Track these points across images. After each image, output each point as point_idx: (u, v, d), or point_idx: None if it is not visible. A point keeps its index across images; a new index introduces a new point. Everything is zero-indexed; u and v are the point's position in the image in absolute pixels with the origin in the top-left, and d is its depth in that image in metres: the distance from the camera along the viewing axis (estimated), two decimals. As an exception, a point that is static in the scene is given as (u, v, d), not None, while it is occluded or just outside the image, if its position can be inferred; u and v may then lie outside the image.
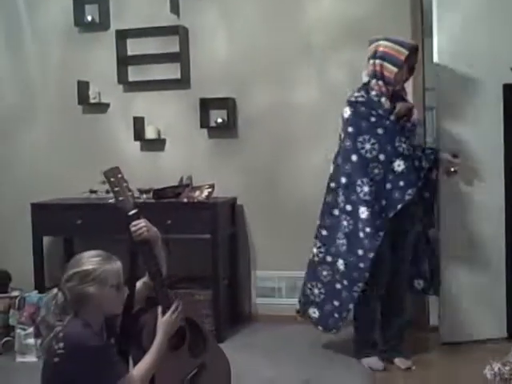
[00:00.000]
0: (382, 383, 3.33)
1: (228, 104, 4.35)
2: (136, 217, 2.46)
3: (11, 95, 4.77)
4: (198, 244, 4.11)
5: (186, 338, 2.64)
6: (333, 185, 3.58)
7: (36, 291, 4.04)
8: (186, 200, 4.11)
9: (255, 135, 4.39)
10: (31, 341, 3.73)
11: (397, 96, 3.44)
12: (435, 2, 3.65)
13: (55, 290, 2.33)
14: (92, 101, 4.58)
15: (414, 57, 3.46)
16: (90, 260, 2.30)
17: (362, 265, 3.36)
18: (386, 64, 3.34)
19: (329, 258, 3.58)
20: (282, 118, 4.34)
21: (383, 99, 3.40)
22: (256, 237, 4.44)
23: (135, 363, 2.50)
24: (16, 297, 3.91)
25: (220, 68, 4.41)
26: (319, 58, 4.26)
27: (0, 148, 4.79)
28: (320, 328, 3.68)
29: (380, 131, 3.37)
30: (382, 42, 3.37)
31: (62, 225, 4.20)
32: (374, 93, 3.41)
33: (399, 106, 3.40)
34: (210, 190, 4.14)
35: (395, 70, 3.34)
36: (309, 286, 3.71)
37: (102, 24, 4.55)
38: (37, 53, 4.69)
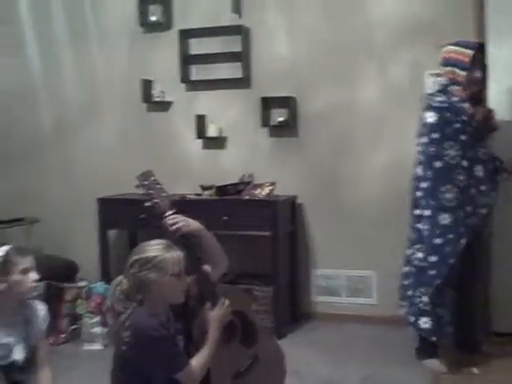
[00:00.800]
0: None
1: (289, 103, 4.38)
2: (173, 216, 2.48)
3: (78, 94, 4.91)
4: (258, 241, 4.15)
5: (237, 330, 2.67)
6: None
7: (102, 282, 4.16)
8: (247, 197, 4.16)
9: (316, 134, 4.40)
10: (97, 329, 3.86)
11: (475, 99, 3.38)
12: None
13: (120, 277, 2.41)
14: (156, 99, 4.68)
15: (482, 55, 3.41)
16: (151, 247, 2.37)
17: (432, 272, 3.34)
18: (455, 69, 3.32)
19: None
20: (343, 117, 4.34)
21: (466, 105, 3.34)
22: (316, 235, 4.45)
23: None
24: (83, 287, 4.05)
25: (281, 67, 4.44)
26: (381, 56, 4.24)
27: (67, 145, 4.95)
28: (434, 338, 3.46)
29: (463, 137, 3.30)
30: (447, 48, 3.36)
31: (127, 219, 4.31)
32: (455, 98, 3.34)
33: (480, 111, 3.34)
34: (270, 187, 4.18)
35: (464, 73, 3.29)
36: (417, 293, 3.48)
37: (166, 24, 4.65)
38: (102, 52, 4.82)
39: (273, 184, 4.20)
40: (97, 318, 3.86)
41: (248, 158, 4.53)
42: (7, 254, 2.42)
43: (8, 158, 5.04)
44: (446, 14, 4.04)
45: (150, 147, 4.73)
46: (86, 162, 4.90)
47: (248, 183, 4.31)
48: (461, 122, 3.31)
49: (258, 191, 4.17)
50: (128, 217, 4.28)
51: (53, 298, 3.93)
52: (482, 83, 3.43)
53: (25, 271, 2.44)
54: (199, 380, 2.37)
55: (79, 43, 4.87)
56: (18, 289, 2.43)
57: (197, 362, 2.37)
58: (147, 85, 4.69)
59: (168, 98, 4.68)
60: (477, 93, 3.39)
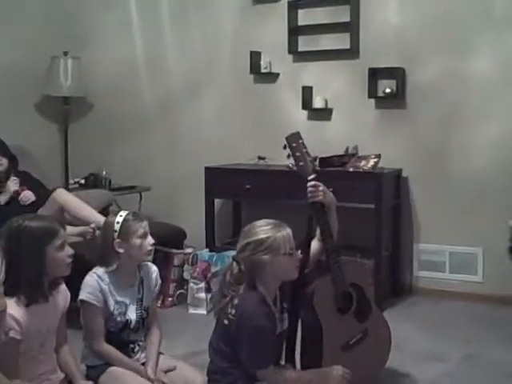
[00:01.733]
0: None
1: (397, 74, 4.29)
2: (313, 180, 2.54)
3: (186, 65, 5.03)
4: (362, 214, 4.12)
5: (353, 303, 2.71)
6: None
7: (207, 249, 4.31)
8: (351, 169, 4.14)
9: (424, 106, 4.29)
10: (202, 295, 3.99)
11: None
12: None
13: (230, 261, 2.46)
14: (263, 70, 4.72)
15: None
16: (262, 229, 2.38)
17: None
18: None
19: None
20: (454, 89, 4.20)
21: None
22: (420, 210, 4.37)
23: (305, 325, 2.61)
24: (190, 253, 4.18)
25: (390, 37, 4.35)
26: (498, 27, 4.05)
27: (176, 116, 5.09)
28: None
29: None
30: None
31: (232, 188, 4.42)
32: None
33: None
34: (375, 160, 4.13)
35: None
36: None
37: (275, -5, 4.65)
38: (211, 24, 4.89)
39: (378, 156, 4.16)
40: (202, 284, 4.00)
41: (353, 129, 4.49)
42: (125, 219, 2.53)
43: (120, 130, 5.27)
44: None
45: (256, 118, 4.79)
46: (194, 132, 5.02)
47: (353, 155, 4.28)
48: None
49: (362, 163, 4.14)
50: (233, 186, 4.40)
51: (161, 262, 4.07)
52: None
53: (142, 236, 2.54)
54: None
55: (187, 15, 4.96)
56: (137, 252, 2.55)
57: (289, 375, 2.44)
58: (256, 56, 4.72)
59: (275, 70, 4.70)
60: None
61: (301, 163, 2.54)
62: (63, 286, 2.43)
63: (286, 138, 2.57)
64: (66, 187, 4.62)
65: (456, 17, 4.15)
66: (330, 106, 4.57)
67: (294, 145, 2.56)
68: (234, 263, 2.42)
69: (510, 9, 4.00)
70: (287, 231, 2.41)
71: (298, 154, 2.55)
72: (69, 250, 2.30)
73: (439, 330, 3.68)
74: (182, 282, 4.18)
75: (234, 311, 2.35)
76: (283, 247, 2.37)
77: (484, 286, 4.17)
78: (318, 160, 4.22)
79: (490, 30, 4.07)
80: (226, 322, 2.39)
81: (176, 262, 4.19)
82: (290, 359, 2.62)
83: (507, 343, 3.43)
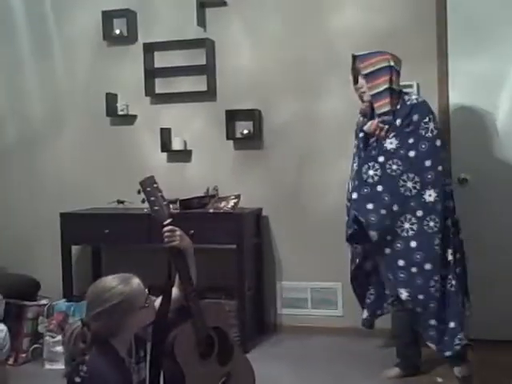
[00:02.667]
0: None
1: (254, 116, 4.39)
2: (168, 224, 2.50)
3: (40, 107, 4.86)
4: (224, 254, 4.14)
5: (215, 347, 2.66)
6: None
7: (64, 299, 4.10)
8: (212, 210, 4.15)
9: (281, 147, 4.42)
10: (59, 348, 3.76)
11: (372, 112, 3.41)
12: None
13: (76, 322, 2.32)
14: (120, 112, 4.65)
15: (359, 64, 3.43)
16: (112, 292, 2.26)
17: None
18: None
19: None
20: (308, 129, 4.36)
21: (359, 115, 3.50)
22: (281, 248, 4.45)
23: (167, 374, 2.53)
24: (45, 305, 3.97)
25: (246, 79, 4.46)
26: (344, 69, 4.26)
27: (30, 159, 4.88)
28: None
29: (356, 143, 3.51)
30: None
31: (90, 234, 4.27)
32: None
33: (368, 123, 3.38)
34: (235, 200, 4.17)
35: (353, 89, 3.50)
36: None
37: (130, 37, 4.63)
38: (66, 65, 4.79)
39: (238, 197, 4.20)
40: (58, 337, 3.78)
41: (213, 170, 4.51)
42: None
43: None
44: (407, 27, 4.09)
45: (115, 161, 4.70)
46: (50, 176, 4.84)
47: (213, 196, 4.30)
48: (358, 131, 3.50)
49: (223, 204, 4.17)
50: (91, 231, 4.24)
51: (13, 316, 3.86)
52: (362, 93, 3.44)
53: None
54: None
55: (42, 57, 4.83)
56: None
57: None
58: (112, 98, 4.65)
59: (132, 112, 4.66)
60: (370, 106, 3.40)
61: (156, 207, 2.50)
62: None
63: (140, 183, 2.52)
64: None
65: (305, 60, 4.34)
66: (189, 148, 4.58)
67: (148, 189, 2.51)
68: (85, 328, 2.26)
69: (352, 50, 4.21)
70: (137, 282, 2.32)
71: (152, 198, 2.51)
72: None
73: (304, 367, 3.72)
74: (37, 336, 3.95)
75: (85, 368, 2.21)
76: (138, 302, 2.29)
77: (344, 320, 4.29)
78: (178, 202, 4.20)
79: (336, 71, 4.26)
80: (77, 379, 2.25)
81: (30, 314, 3.96)
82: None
83: (368, 375, 3.53)
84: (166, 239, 2.49)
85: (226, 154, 4.51)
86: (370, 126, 3.33)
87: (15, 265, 4.53)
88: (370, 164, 3.32)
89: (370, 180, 3.30)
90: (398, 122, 3.27)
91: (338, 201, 4.27)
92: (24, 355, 3.91)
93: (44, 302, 4.04)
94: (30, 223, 4.84)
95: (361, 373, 3.57)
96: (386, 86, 3.29)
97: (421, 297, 3.21)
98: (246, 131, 4.41)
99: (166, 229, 2.49)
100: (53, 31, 4.80)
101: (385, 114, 3.29)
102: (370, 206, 3.28)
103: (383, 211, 3.25)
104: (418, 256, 3.21)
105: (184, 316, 2.57)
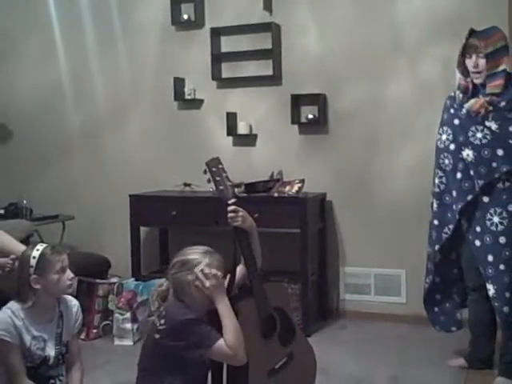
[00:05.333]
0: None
1: (319, 100, 4.38)
2: (233, 205, 2.55)
3: (109, 92, 4.98)
4: (288, 238, 4.16)
5: (277, 327, 2.71)
6: None
7: (133, 278, 4.24)
8: (276, 194, 4.18)
9: (346, 131, 4.40)
10: (128, 325, 3.91)
11: (478, 89, 3.24)
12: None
13: (162, 280, 2.47)
14: (187, 97, 4.73)
15: (480, 42, 3.18)
16: (191, 251, 2.43)
17: (428, 264, 3.40)
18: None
19: None
20: (374, 114, 4.32)
21: (457, 92, 3.28)
22: (345, 233, 4.45)
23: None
24: (114, 283, 4.11)
25: (311, 64, 4.45)
26: (412, 53, 4.21)
27: (102, 142, 5.02)
28: None
29: (456, 122, 3.26)
30: None
31: (158, 216, 4.37)
32: (455, 85, 3.33)
33: (472, 101, 3.22)
34: (300, 185, 4.19)
35: (456, 62, 3.27)
36: None
37: (198, 22, 4.68)
38: (135, 50, 4.88)
39: (302, 181, 4.21)
40: (127, 314, 3.92)
41: (278, 155, 4.54)
42: (42, 253, 2.46)
43: (41, 158, 5.16)
44: (476, 8, 3.99)
45: (181, 145, 4.78)
46: (119, 159, 4.97)
47: (277, 180, 4.33)
48: (454, 108, 3.28)
49: (287, 188, 4.19)
50: (159, 213, 4.35)
51: (85, 293, 4.01)
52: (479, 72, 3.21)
53: (60, 271, 2.48)
54: (237, 353, 2.38)
55: (111, 43, 4.93)
56: (54, 288, 2.48)
57: (226, 335, 2.37)
58: (179, 83, 4.73)
59: (199, 96, 4.72)
60: (479, 84, 3.22)
61: (220, 187, 2.55)
62: None
63: (206, 163, 2.58)
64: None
65: (372, 44, 4.29)
66: (254, 132, 4.61)
67: (213, 169, 2.57)
68: (165, 282, 2.44)
69: (420, 38, 4.17)
70: (217, 258, 2.43)
71: (217, 178, 2.56)
72: None
73: (365, 352, 3.73)
74: (107, 313, 4.08)
75: (162, 321, 2.33)
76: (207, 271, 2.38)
77: (407, 307, 4.26)
78: (243, 186, 4.25)
79: (404, 56, 4.22)
80: (157, 335, 2.35)
81: (100, 292, 4.10)
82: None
83: (431, 363, 3.51)
84: (229, 219, 2.55)
85: (290, 139, 4.52)
86: (473, 103, 3.18)
87: (87, 244, 4.71)
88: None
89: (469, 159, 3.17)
90: (503, 104, 3.13)
91: (403, 186, 4.26)
92: (95, 331, 4.06)
93: (114, 280, 4.19)
94: (100, 205, 4.99)
95: (423, 360, 3.55)
96: (503, 67, 3.13)
97: (507, 295, 3.12)
98: (311, 116, 4.41)
99: (229, 209, 2.54)
100: (122, 17, 4.89)
101: (494, 95, 3.15)
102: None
103: (470, 197, 3.17)
104: (507, 253, 3.10)
105: (247, 295, 2.62)
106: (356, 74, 4.35)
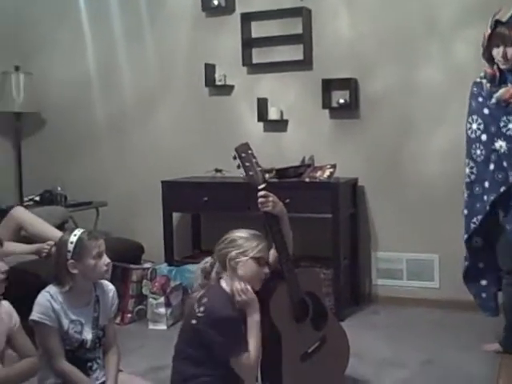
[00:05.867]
0: (507, 368, 3.25)
1: (350, 84, 4.35)
2: (263, 190, 2.57)
3: (140, 78, 5.01)
4: (319, 223, 4.16)
5: (309, 311, 2.73)
6: None
7: (166, 264, 4.28)
8: (307, 180, 4.17)
9: (377, 116, 4.36)
10: (162, 310, 3.96)
11: (505, 76, 3.19)
12: None
13: (207, 258, 2.59)
14: (218, 83, 4.73)
15: (510, 31, 3.12)
16: (240, 231, 2.56)
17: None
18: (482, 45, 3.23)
19: None
20: (405, 98, 4.28)
21: (484, 81, 3.24)
22: (377, 218, 4.43)
23: (264, 333, 2.61)
24: (148, 268, 4.16)
25: (342, 48, 4.41)
26: (444, 35, 4.16)
27: (133, 129, 5.06)
28: None
29: (486, 111, 3.21)
30: None
31: (190, 202, 4.40)
32: (481, 74, 3.28)
33: (501, 90, 3.17)
34: (331, 170, 4.17)
35: (482, 50, 3.22)
36: None
37: (228, 7, 4.67)
38: (165, 37, 4.89)
39: (333, 166, 4.20)
40: (161, 299, 3.96)
41: (309, 140, 4.52)
42: (80, 239, 2.49)
43: (75, 145, 5.22)
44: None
45: (212, 131, 4.80)
46: (150, 145, 4.99)
47: (308, 166, 4.32)
48: (483, 97, 3.23)
49: (318, 174, 4.18)
50: (191, 199, 4.38)
51: (119, 279, 4.06)
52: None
53: (97, 256, 2.51)
54: (252, 371, 2.46)
55: (141, 28, 4.94)
56: (91, 273, 2.51)
57: (252, 349, 2.43)
58: (210, 69, 4.73)
59: (230, 82, 4.72)
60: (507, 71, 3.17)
61: (250, 173, 2.58)
62: (5, 306, 2.40)
63: (236, 149, 2.61)
64: (22, 205, 4.53)
65: (404, 27, 4.24)
66: (285, 118, 4.60)
67: (243, 155, 2.59)
68: (210, 258, 2.56)
69: (453, 20, 4.12)
70: (262, 243, 2.53)
71: (247, 164, 2.58)
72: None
73: (398, 337, 3.72)
74: (141, 298, 4.14)
75: (202, 308, 2.38)
76: (251, 251, 2.48)
77: (440, 292, 4.24)
78: (274, 171, 4.25)
79: (436, 39, 4.17)
80: (193, 321, 2.41)
81: (134, 277, 4.15)
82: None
83: (465, 347, 3.49)
84: (260, 204, 2.57)
85: (321, 124, 4.50)
86: (504, 93, 3.14)
87: (120, 230, 4.76)
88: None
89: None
90: None
91: (436, 170, 4.22)
92: (129, 315, 4.11)
93: (147, 265, 4.24)
94: (133, 191, 5.02)
95: (457, 345, 3.54)
96: None
97: None
98: (342, 100, 4.38)
99: (260, 194, 2.57)
100: (151, 4, 4.90)
101: None
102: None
103: (503, 188, 3.14)
104: None
105: (279, 279, 2.64)
106: (387, 58, 4.31)
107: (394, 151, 4.33)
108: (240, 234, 2.54)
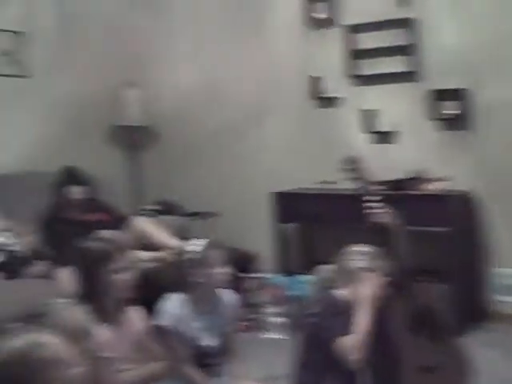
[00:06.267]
0: None
1: (461, 95, 4.27)
2: (374, 201, 2.59)
3: (245, 90, 5.08)
4: (434, 237, 4.07)
5: (425, 325, 2.71)
6: None
7: (279, 274, 4.35)
8: (420, 192, 4.12)
9: (491, 128, 4.24)
10: (276, 319, 4.04)
11: None
12: None
13: (327, 266, 2.61)
14: (323, 95, 4.77)
15: None
16: (363, 246, 2.54)
17: None
18: None
19: None
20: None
21: None
22: (496, 232, 4.27)
23: (383, 343, 2.61)
24: (261, 278, 4.25)
25: (451, 58, 4.32)
26: None
27: (242, 141, 5.13)
28: None
29: None
30: None
31: (302, 213, 4.46)
32: None
33: None
34: (444, 182, 4.10)
35: None
36: None
37: (333, 19, 4.68)
38: (270, 49, 4.96)
39: (445, 179, 4.13)
40: (275, 308, 4.04)
41: (418, 152, 4.46)
42: (205, 248, 2.61)
43: (189, 157, 5.36)
44: None
45: (319, 142, 4.83)
46: (261, 157, 5.06)
47: (419, 178, 4.27)
48: None
49: (431, 186, 4.13)
50: (304, 211, 4.43)
51: (233, 287, 4.16)
52: None
53: (219, 265, 2.61)
54: (354, 356, 2.41)
55: (245, 43, 5.05)
56: (213, 281, 2.61)
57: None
58: (315, 81, 4.77)
59: (336, 94, 4.74)
60: None
61: (361, 184, 2.61)
62: (136, 311, 2.51)
63: (344, 161, 2.65)
64: (139, 214, 4.75)
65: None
66: (392, 129, 4.57)
67: (352, 166, 2.65)
68: (329, 266, 2.57)
69: None
70: (382, 259, 2.52)
71: (356, 175, 2.62)
72: (126, 275, 2.38)
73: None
74: (255, 307, 4.22)
75: (316, 305, 2.50)
76: (374, 266, 2.47)
77: None
78: (384, 183, 4.23)
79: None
80: (312, 319, 2.49)
81: (248, 286, 4.25)
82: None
83: None
84: (371, 215, 2.58)
85: (431, 136, 4.44)
86: None
87: (232, 240, 4.85)
88: None
89: None
90: None
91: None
92: (244, 323, 4.15)
93: (260, 275, 4.33)
94: (244, 201, 5.08)
95: None
96: None
97: None
98: (452, 112, 4.31)
99: (371, 205, 2.58)
100: (258, 17, 4.99)
101: None
102: None
103: None
104: None
105: (395, 291, 2.64)
106: (500, 68, 4.20)
107: (509, 163, 4.18)
108: (364, 248, 2.53)
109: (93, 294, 2.34)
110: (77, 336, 1.84)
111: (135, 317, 2.50)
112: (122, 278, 2.37)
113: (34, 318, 1.85)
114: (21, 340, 1.42)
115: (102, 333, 2.10)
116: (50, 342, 1.43)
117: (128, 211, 4.66)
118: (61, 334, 1.53)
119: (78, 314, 2.01)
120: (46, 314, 1.89)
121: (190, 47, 5.29)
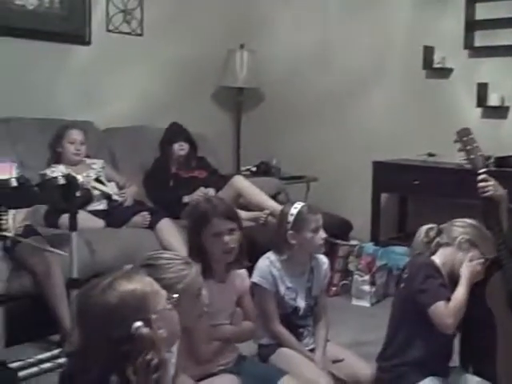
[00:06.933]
0: None
1: None
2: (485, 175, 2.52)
3: (357, 58, 5.04)
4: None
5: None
6: None
7: (372, 243, 4.35)
8: (528, 170, 3.97)
9: None
10: (366, 287, 4.04)
11: None
12: None
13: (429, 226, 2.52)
14: (436, 65, 4.64)
15: None
16: (475, 224, 2.46)
17: None
18: None
19: None
20: None
21: None
22: None
23: (475, 323, 2.57)
24: (355, 245, 4.25)
25: None
26: None
27: (346, 109, 5.12)
28: None
29: None
30: None
31: (400, 184, 4.44)
32: None
33: None
34: (555, 162, 3.93)
35: None
36: None
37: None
38: (383, 17, 4.89)
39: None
40: (366, 277, 4.04)
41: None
42: (300, 212, 2.61)
43: (291, 121, 5.39)
44: None
45: (427, 114, 4.73)
46: (363, 125, 5.03)
47: (529, 156, 4.11)
48: None
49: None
50: (401, 181, 4.40)
51: (327, 252, 4.19)
52: None
53: (315, 230, 2.61)
54: (448, 323, 2.34)
55: (357, 11, 4.99)
56: (308, 245, 2.62)
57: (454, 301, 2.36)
58: (429, 51, 4.65)
59: (449, 65, 4.61)
60: None
61: (472, 156, 2.54)
62: (240, 271, 2.55)
63: (458, 132, 2.58)
64: (239, 174, 4.86)
65: None
66: (506, 104, 4.40)
67: (464, 139, 2.56)
68: (436, 226, 2.50)
69: None
70: (493, 243, 2.45)
71: (468, 147, 2.55)
72: (226, 240, 2.40)
73: None
74: (347, 273, 4.25)
75: (407, 270, 2.43)
76: (482, 249, 2.41)
77: None
78: (493, 159, 4.09)
79: None
80: (402, 285, 2.45)
81: (341, 252, 4.26)
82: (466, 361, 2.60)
83: None
84: (479, 189, 2.52)
85: (547, 112, 4.25)
86: None
87: (329, 206, 4.87)
88: None
89: None
90: None
91: None
92: (334, 289, 4.23)
93: (354, 242, 4.33)
94: (343, 168, 5.10)
95: None
96: None
97: None
98: None
99: (480, 177, 2.51)
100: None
101: None
102: None
103: None
104: None
105: (494, 266, 2.57)
106: None
107: None
108: (480, 226, 2.45)
109: (200, 250, 2.41)
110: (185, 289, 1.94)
111: (240, 274, 2.55)
112: (226, 239, 2.41)
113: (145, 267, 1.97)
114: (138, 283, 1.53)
115: (208, 289, 2.14)
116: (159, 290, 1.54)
117: (229, 170, 4.78)
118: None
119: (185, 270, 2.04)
120: (155, 266, 1.99)
121: (303, 12, 5.27)
